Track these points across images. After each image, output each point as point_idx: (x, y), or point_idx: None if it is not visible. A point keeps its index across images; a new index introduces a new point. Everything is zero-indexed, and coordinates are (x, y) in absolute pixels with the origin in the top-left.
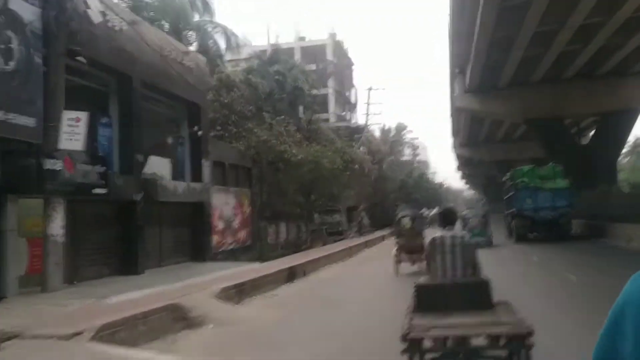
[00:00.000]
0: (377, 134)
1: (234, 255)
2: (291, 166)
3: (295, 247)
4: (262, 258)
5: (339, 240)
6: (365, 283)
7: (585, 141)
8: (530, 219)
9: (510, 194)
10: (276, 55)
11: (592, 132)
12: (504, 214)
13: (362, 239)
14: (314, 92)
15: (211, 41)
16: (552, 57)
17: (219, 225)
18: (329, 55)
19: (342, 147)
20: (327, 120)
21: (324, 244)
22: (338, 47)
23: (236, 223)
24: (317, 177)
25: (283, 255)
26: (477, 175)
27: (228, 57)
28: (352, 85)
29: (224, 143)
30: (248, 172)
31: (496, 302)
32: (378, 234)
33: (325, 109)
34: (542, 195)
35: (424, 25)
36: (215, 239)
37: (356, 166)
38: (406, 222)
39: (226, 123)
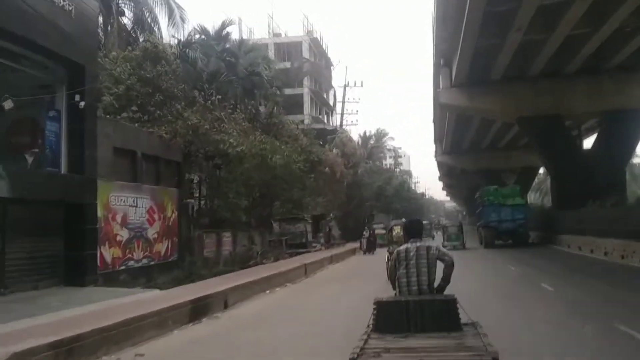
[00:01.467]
0: (355, 137)
1: (148, 274)
2: (231, 161)
3: (242, 262)
4: (189, 278)
5: (302, 253)
6: (312, 323)
7: (587, 145)
8: (495, 229)
9: (480, 209)
10: (227, 35)
11: (596, 136)
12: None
13: (328, 253)
14: (283, 87)
15: (147, 13)
16: (555, 45)
17: (120, 234)
18: (305, 53)
19: (307, 145)
20: (302, 122)
21: (277, 259)
22: (315, 45)
23: (153, 232)
24: (271, 178)
25: (223, 272)
26: (459, 186)
27: (171, 32)
28: (330, 87)
29: (134, 127)
30: (177, 167)
31: (465, 322)
32: (349, 246)
33: (300, 110)
34: (504, 210)
35: (407, 14)
36: (111, 253)
37: (326, 169)
38: (398, 230)
39: (148, 104)
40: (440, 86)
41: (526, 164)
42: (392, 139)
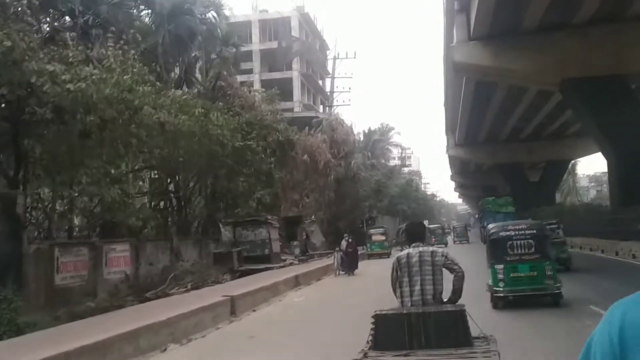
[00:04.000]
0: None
1: None
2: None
3: (141, 291)
4: None
5: (260, 270)
6: None
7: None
8: None
9: (481, 214)
10: None
11: None
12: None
13: (297, 270)
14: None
15: None
16: None
17: None
18: (295, 32)
19: (269, 119)
20: (291, 109)
21: (216, 281)
22: (307, 22)
23: None
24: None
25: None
26: (473, 186)
27: None
28: (326, 72)
29: None
30: None
31: (476, 336)
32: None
33: (289, 97)
34: (498, 216)
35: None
36: None
37: (304, 157)
38: None
39: None
40: (455, 39)
41: (552, 157)
42: (399, 134)
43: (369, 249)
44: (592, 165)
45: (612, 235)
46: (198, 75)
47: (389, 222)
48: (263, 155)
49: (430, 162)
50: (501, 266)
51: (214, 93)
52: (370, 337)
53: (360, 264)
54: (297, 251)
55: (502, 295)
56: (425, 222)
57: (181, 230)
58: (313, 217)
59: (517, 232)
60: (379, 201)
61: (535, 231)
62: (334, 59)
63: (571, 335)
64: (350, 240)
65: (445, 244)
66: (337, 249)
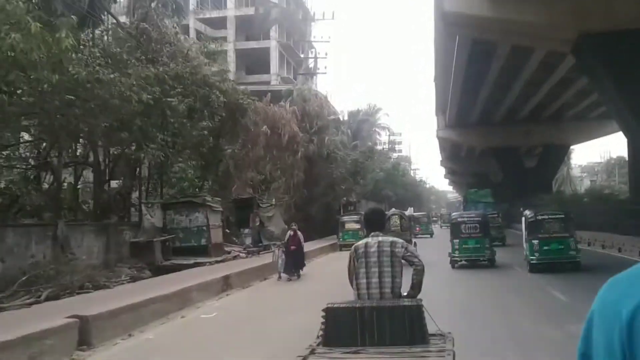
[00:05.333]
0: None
1: None
2: None
3: None
4: None
5: (190, 266)
6: None
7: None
8: None
9: (465, 203)
10: None
11: None
12: None
13: (237, 267)
14: None
15: None
16: None
17: None
18: None
19: (212, 76)
20: (267, 82)
21: (51, 298)
22: None
23: None
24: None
25: None
26: (464, 172)
27: None
28: (310, 46)
29: None
30: None
31: (433, 332)
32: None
33: (265, 69)
34: (479, 205)
35: None
36: None
37: (263, 127)
38: (395, 219)
39: None
40: None
41: (551, 141)
42: (387, 115)
43: (341, 239)
44: (583, 156)
45: (632, 229)
46: (123, 18)
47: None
48: (193, 118)
49: (421, 148)
50: (457, 240)
51: (132, 36)
52: (320, 332)
53: (328, 257)
54: (248, 241)
55: (457, 259)
56: (411, 210)
57: (73, 211)
58: (274, 200)
59: (468, 219)
60: (356, 183)
61: (480, 218)
62: (309, 19)
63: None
64: (291, 233)
65: (431, 234)
66: (279, 243)
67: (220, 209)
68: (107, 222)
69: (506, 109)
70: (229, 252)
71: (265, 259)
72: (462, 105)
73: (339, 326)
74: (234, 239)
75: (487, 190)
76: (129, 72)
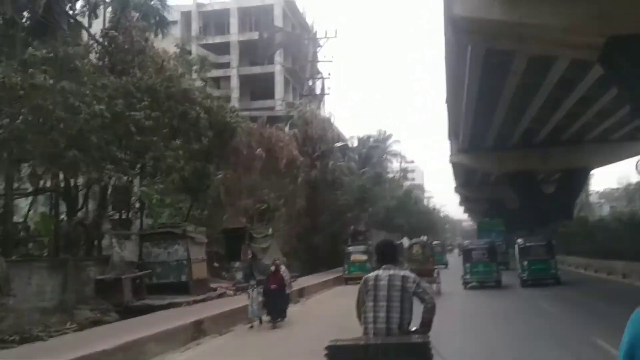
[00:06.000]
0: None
1: None
2: None
3: None
4: None
5: (164, 307)
6: None
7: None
8: None
9: (479, 232)
10: None
11: None
12: None
13: (217, 308)
14: None
15: None
16: None
17: None
18: (279, 21)
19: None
20: (272, 108)
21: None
22: (292, 11)
23: None
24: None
25: None
26: (479, 199)
27: None
28: (317, 71)
29: None
30: None
31: None
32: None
33: (270, 94)
34: (492, 233)
35: None
36: None
37: (257, 150)
38: (417, 249)
39: None
40: None
41: (570, 166)
42: (398, 141)
43: (346, 271)
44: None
45: None
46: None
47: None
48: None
49: (434, 175)
50: (468, 264)
51: (99, 44)
52: None
53: (331, 292)
54: (238, 276)
55: (469, 280)
56: (424, 238)
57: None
58: (270, 230)
59: (478, 246)
60: (363, 211)
61: (488, 245)
62: (312, 39)
63: None
64: (276, 268)
65: (445, 265)
66: (253, 282)
67: (204, 241)
68: (64, 258)
69: (522, 131)
70: (214, 289)
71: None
72: (475, 128)
73: None
74: (224, 273)
75: (498, 219)
76: (83, 81)
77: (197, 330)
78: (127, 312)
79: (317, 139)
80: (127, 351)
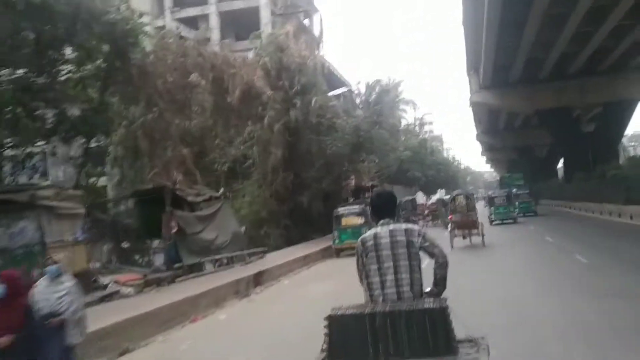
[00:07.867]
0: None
1: None
2: None
3: None
4: None
5: None
6: None
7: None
8: None
9: (501, 185)
10: None
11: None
12: None
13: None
14: None
15: None
16: None
17: None
18: None
19: None
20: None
21: None
22: None
23: None
24: None
25: None
26: (503, 148)
27: None
28: (314, 9)
29: None
30: None
31: (462, 339)
32: (243, 273)
33: (255, 27)
34: (512, 187)
35: None
36: None
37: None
38: (460, 199)
39: None
40: None
41: (612, 98)
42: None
43: (336, 240)
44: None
45: None
46: None
47: (401, 195)
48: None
49: (453, 125)
50: (492, 207)
51: None
52: (325, 345)
53: (314, 269)
54: (158, 261)
55: (493, 219)
56: (442, 192)
57: None
58: (222, 190)
59: (499, 195)
60: (361, 160)
61: (506, 194)
62: None
63: None
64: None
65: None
66: None
67: (80, 211)
68: None
69: (555, 59)
70: (104, 287)
71: (181, 290)
72: (498, 58)
73: (347, 337)
74: (137, 257)
75: (519, 174)
76: None
77: None
78: None
79: (294, 70)
80: None
